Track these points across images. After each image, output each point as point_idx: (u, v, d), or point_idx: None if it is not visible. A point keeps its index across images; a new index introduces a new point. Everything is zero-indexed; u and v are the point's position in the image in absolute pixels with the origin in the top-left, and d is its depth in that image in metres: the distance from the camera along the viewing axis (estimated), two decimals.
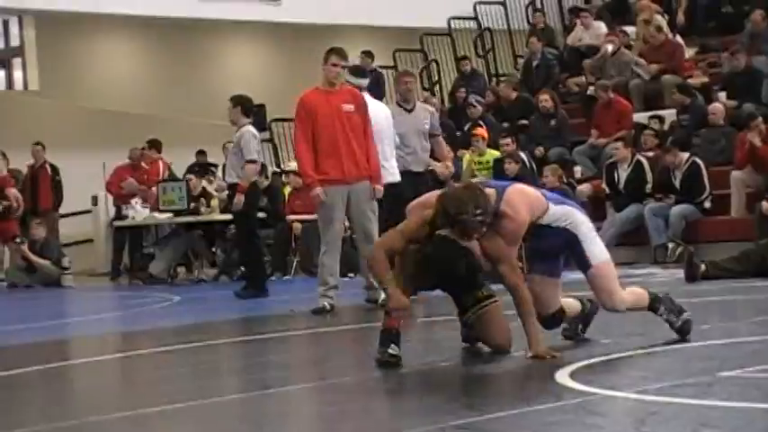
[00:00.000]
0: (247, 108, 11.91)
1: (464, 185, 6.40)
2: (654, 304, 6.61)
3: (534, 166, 15.55)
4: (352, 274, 12.48)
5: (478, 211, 5.96)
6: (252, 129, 11.85)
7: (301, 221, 15.23)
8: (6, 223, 13.46)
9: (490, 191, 6.19)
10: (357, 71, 10.49)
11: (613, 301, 6.41)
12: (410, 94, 11.08)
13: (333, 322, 9.05)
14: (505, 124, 16.92)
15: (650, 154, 14.47)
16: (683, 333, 6.55)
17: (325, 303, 9.58)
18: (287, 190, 16.07)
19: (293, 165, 16.40)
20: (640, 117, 15.93)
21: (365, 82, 10.36)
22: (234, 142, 12.04)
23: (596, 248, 6.40)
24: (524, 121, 16.69)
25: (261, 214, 15.08)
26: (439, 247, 6.11)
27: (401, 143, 10.69)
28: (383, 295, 9.77)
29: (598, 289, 6.41)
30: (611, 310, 6.48)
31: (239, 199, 11.67)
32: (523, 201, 6.22)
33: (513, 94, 17.43)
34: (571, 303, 6.67)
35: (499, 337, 6.40)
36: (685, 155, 13.79)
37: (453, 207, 5.99)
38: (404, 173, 10.48)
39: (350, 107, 9.76)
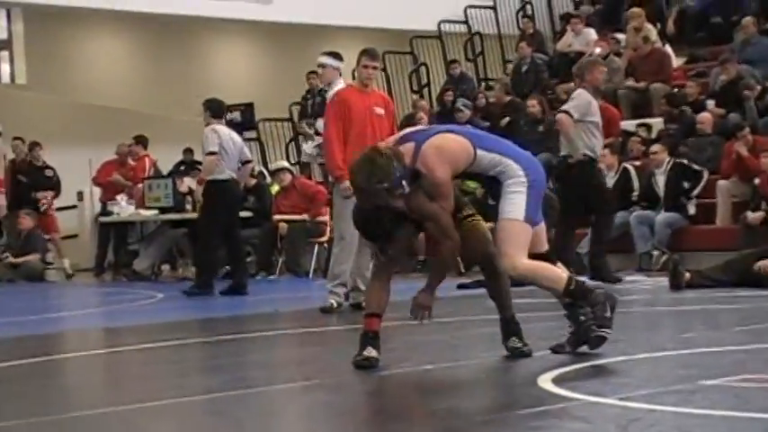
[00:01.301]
0: (215, 111, 12.34)
1: (366, 152, 6.08)
2: (575, 294, 6.16)
3: None
4: None
5: (375, 180, 5.85)
6: (215, 126, 12.16)
7: (287, 221, 15.24)
8: None
9: (408, 147, 6.00)
10: (334, 54, 10.49)
11: (504, 262, 6.12)
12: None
13: (319, 323, 9.04)
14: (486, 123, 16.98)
15: (637, 162, 14.51)
16: (591, 343, 6.20)
17: (333, 301, 9.65)
18: (274, 189, 16.07)
19: (281, 164, 16.44)
20: (628, 125, 15.97)
21: (341, 65, 10.35)
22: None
23: (509, 205, 6.04)
24: (507, 119, 16.72)
25: (247, 213, 15.12)
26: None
27: None
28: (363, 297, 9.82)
29: (497, 245, 6.20)
30: (503, 271, 6.26)
31: (197, 189, 12.09)
32: (439, 158, 5.96)
33: (506, 98, 17.46)
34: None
35: (481, 246, 6.33)
36: (666, 157, 13.86)
37: (354, 179, 6.01)
38: None
39: (380, 111, 9.83)
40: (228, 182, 12.10)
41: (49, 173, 17.32)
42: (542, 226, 6.28)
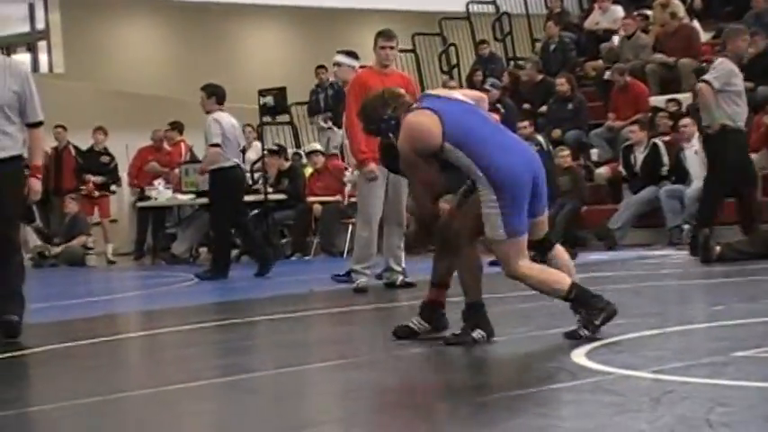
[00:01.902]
0: (221, 96, 12.33)
1: (379, 92, 6.45)
2: (574, 301, 6.10)
3: (551, 148, 15.66)
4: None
5: (366, 114, 6.34)
6: (218, 115, 12.17)
7: (321, 203, 15.38)
8: None
9: (407, 102, 6.27)
10: (348, 52, 10.55)
11: (504, 271, 6.19)
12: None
13: (353, 302, 9.15)
14: (526, 105, 17.03)
15: (666, 138, 14.54)
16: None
17: (361, 281, 9.76)
18: (307, 171, 16.20)
19: (313, 146, 16.57)
20: (657, 101, 15.98)
21: (357, 63, 10.39)
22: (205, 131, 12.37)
23: (487, 226, 6.05)
24: (543, 109, 16.80)
25: (281, 195, 15.28)
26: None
27: None
28: (401, 277, 9.96)
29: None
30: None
31: (200, 180, 12.28)
32: (403, 133, 6.09)
33: (539, 77, 17.49)
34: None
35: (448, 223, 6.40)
36: (696, 131, 13.84)
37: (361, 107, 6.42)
38: None
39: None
40: (234, 169, 12.26)
41: (105, 159, 17.54)
42: (544, 215, 6.29)
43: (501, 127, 6.31)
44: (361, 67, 10.66)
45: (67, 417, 4.93)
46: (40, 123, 7.79)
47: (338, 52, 10.55)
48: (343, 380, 5.56)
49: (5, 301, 7.53)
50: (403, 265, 9.98)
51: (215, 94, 12.28)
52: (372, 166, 9.64)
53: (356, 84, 9.91)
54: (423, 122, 6.06)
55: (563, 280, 6.11)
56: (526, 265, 6.09)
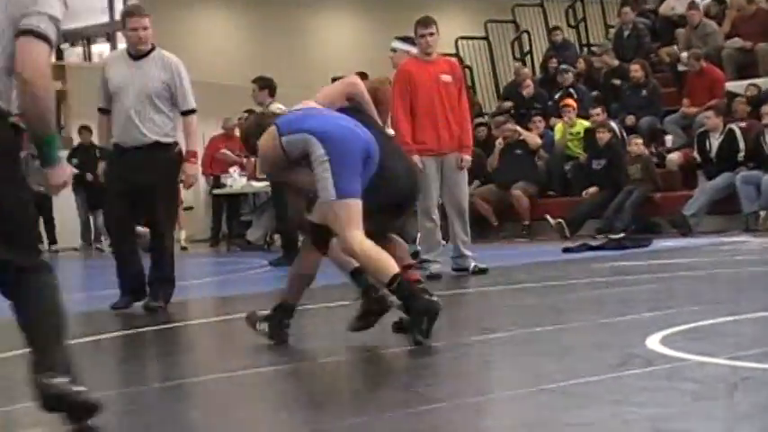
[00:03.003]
0: (272, 89, 12.71)
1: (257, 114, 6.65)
2: (396, 293, 5.85)
3: (625, 135, 15.59)
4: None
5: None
6: (277, 104, 12.32)
7: None
8: None
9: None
10: (405, 38, 10.59)
11: (340, 245, 5.97)
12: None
13: (429, 288, 9.15)
14: (598, 92, 16.97)
15: (743, 123, 14.40)
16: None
17: (434, 268, 9.81)
18: None
19: (389, 132, 16.59)
20: (734, 86, 15.82)
21: (414, 49, 10.40)
22: None
23: (320, 190, 5.85)
24: (616, 81, 16.70)
25: None
26: None
27: None
28: (473, 263, 9.99)
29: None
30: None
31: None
32: (259, 155, 6.22)
33: (616, 62, 17.39)
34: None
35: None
36: None
37: None
38: None
39: (447, 77, 9.90)
40: None
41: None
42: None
43: (344, 116, 6.14)
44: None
45: (141, 400, 5.00)
46: (192, 111, 8.40)
47: (395, 38, 10.58)
48: (428, 363, 5.55)
49: (157, 287, 8.19)
50: (469, 252, 10.02)
51: (267, 87, 12.61)
52: (416, 158, 9.69)
53: (399, 73, 9.96)
54: (262, 141, 6.10)
55: (390, 268, 5.77)
56: (358, 239, 5.79)
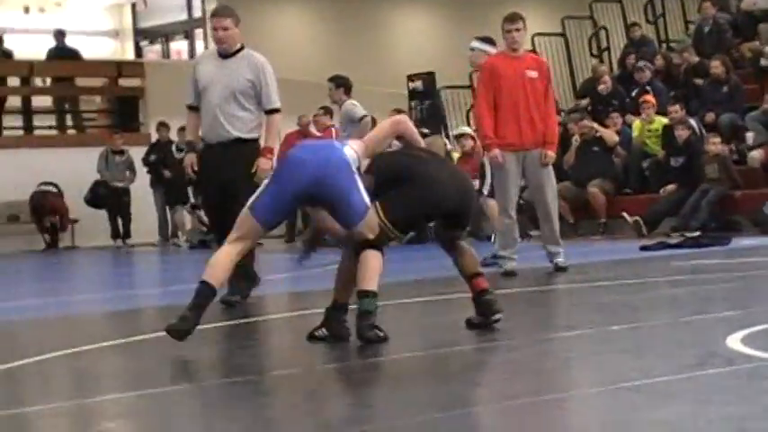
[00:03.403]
0: (347, 87, 13.11)
1: None
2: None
3: (704, 132, 15.43)
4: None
5: None
6: (352, 102, 12.94)
7: None
8: None
9: None
10: (485, 38, 10.54)
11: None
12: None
13: (502, 285, 9.14)
14: (677, 90, 16.81)
15: None
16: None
17: (509, 265, 9.84)
18: (455, 155, 16.22)
19: (463, 129, 16.59)
20: None
21: (492, 49, 10.34)
22: (341, 119, 13.12)
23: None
24: (699, 80, 16.53)
25: None
26: None
27: None
28: (559, 259, 9.94)
29: None
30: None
31: None
32: None
33: (696, 59, 17.21)
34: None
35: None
36: None
37: None
38: None
39: (533, 74, 9.89)
40: None
41: None
42: (357, 226, 6.15)
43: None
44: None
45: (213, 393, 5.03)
46: (275, 110, 8.67)
47: (475, 38, 10.60)
48: (502, 359, 5.60)
49: (237, 280, 8.19)
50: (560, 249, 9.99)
51: (343, 85, 13.00)
52: (496, 151, 9.71)
53: (486, 68, 9.97)
54: None
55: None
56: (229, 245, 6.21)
